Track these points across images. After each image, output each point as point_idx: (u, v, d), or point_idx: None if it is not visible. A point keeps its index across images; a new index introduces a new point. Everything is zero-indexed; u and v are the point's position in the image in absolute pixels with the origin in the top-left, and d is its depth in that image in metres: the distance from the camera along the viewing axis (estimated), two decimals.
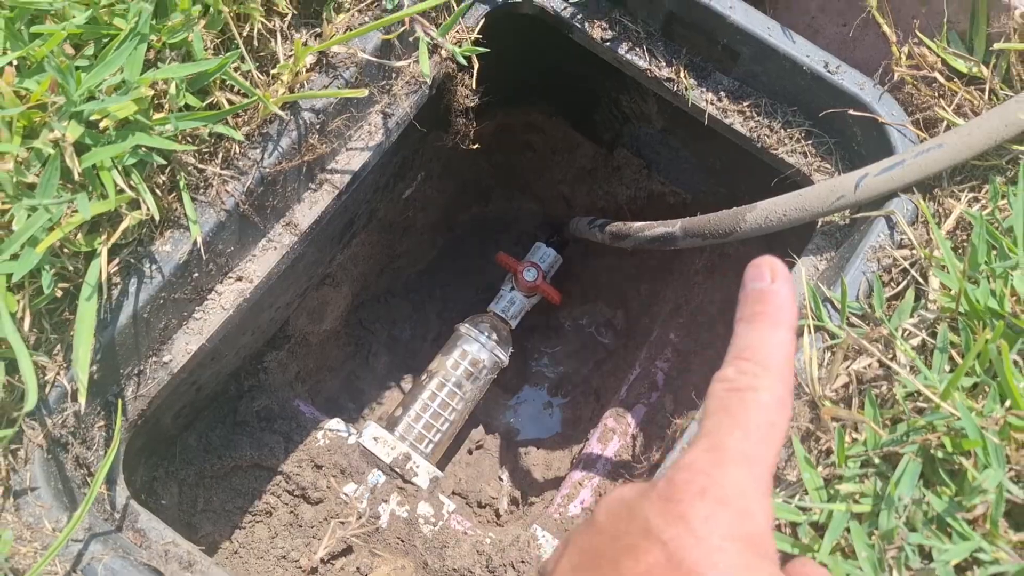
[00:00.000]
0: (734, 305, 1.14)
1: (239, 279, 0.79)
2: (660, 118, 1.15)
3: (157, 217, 0.67)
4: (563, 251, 1.32)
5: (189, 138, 0.72)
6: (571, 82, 1.22)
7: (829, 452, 0.68)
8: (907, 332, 0.69)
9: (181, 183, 0.72)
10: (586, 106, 1.27)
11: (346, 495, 1.15)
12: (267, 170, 0.75)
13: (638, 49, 0.89)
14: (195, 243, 0.72)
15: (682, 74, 0.88)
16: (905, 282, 0.73)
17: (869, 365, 0.70)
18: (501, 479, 1.37)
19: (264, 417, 1.20)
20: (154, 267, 0.71)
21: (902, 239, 0.75)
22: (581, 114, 1.29)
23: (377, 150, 0.85)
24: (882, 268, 0.75)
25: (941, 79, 0.83)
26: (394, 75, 0.84)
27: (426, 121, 0.98)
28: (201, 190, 0.74)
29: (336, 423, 1.21)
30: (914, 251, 0.74)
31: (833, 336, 0.73)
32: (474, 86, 0.92)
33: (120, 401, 0.75)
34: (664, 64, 0.88)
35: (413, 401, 1.23)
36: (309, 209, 0.82)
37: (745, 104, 0.87)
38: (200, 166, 0.72)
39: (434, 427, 1.22)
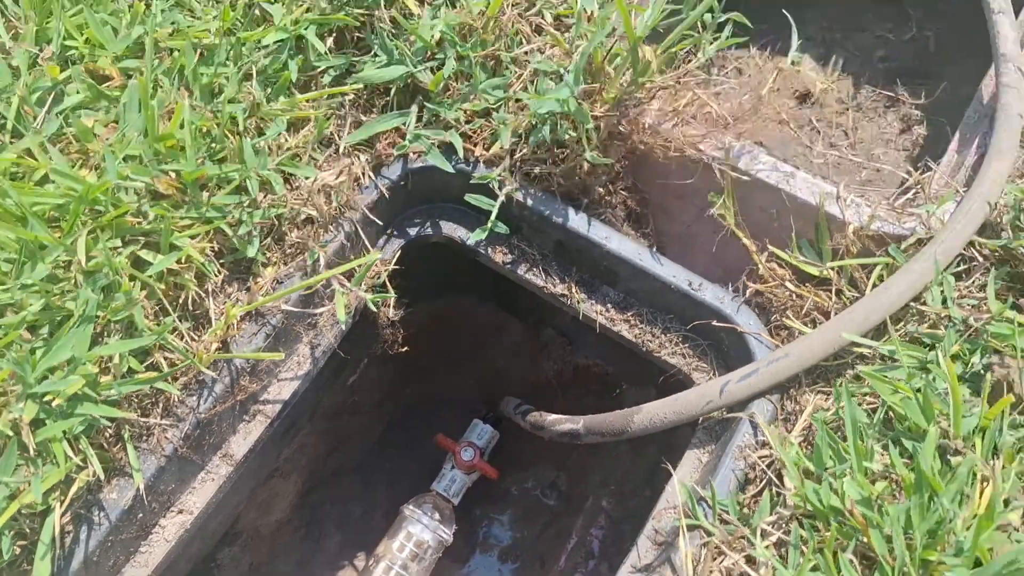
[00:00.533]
0: (657, 473, 1.23)
1: (180, 512, 0.87)
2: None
3: (103, 477, 0.76)
4: (499, 426, 1.41)
5: (133, 397, 0.82)
6: (494, 277, 1.35)
7: None
8: (765, 531, 0.79)
9: (125, 435, 0.81)
10: (510, 292, 1.40)
11: None
12: (203, 415, 0.85)
13: (535, 270, 1.02)
14: (139, 489, 0.80)
15: (574, 290, 1.01)
16: (764, 483, 0.83)
17: (735, 563, 0.79)
18: None
19: None
20: (102, 514, 0.80)
21: (763, 440, 0.86)
22: (507, 298, 1.42)
23: (306, 378, 0.95)
24: (748, 466, 0.85)
25: (791, 287, 0.97)
26: (317, 313, 0.95)
27: (359, 330, 1.09)
28: (144, 439, 0.83)
29: None
30: (772, 451, 0.85)
31: (708, 533, 0.82)
32: (391, 315, 1.04)
33: None
34: (558, 281, 1.02)
35: None
36: (243, 440, 0.91)
37: (629, 314, 1.00)
38: (142, 419, 0.82)
39: None
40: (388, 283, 0.99)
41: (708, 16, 0.87)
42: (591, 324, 1.34)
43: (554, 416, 1.07)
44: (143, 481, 0.81)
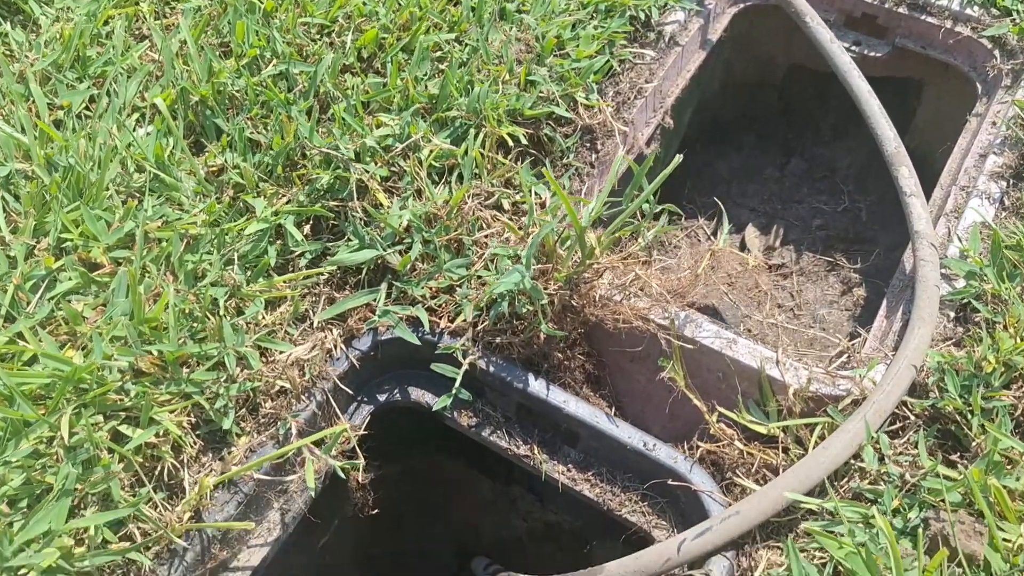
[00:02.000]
0: None
1: None
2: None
3: None
4: None
5: (105, 568, 0.84)
6: (460, 437, 1.39)
7: None
8: None
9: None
10: (477, 452, 1.44)
11: None
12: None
13: (499, 432, 1.08)
14: None
15: (536, 450, 1.06)
16: None
17: None
18: None
19: None
20: None
21: None
22: (475, 457, 1.46)
23: (276, 544, 0.98)
24: None
25: (740, 446, 1.02)
26: (288, 478, 0.99)
27: (330, 493, 1.12)
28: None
29: None
30: None
31: None
32: (361, 478, 1.08)
33: None
34: (521, 443, 1.07)
35: None
36: None
37: (590, 473, 1.04)
38: None
39: None
40: (358, 448, 1.04)
41: (646, 206, 0.98)
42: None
43: None
44: None
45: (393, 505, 1.63)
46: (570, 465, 1.06)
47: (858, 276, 1.61)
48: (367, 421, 1.07)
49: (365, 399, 1.10)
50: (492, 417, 1.09)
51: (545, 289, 1.00)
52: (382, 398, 1.11)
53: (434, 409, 1.04)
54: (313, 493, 0.99)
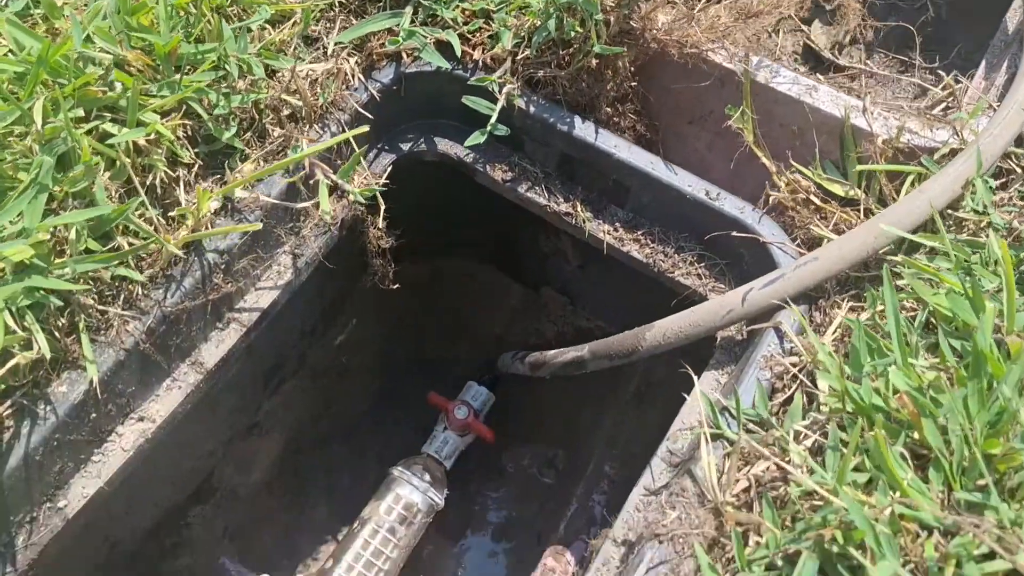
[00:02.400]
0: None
1: (141, 419, 0.79)
2: (576, 254, 1.20)
3: (48, 355, 0.67)
4: (496, 389, 1.32)
5: (90, 281, 0.74)
6: (494, 227, 1.28)
7: (733, 560, 0.67)
8: (800, 434, 0.70)
9: (80, 324, 0.73)
10: (510, 249, 1.32)
11: None
12: (169, 309, 0.77)
13: (537, 188, 0.95)
14: (91, 383, 0.72)
15: (579, 208, 0.93)
16: (795, 387, 0.75)
17: (767, 468, 0.70)
18: None
19: None
20: (48, 408, 0.71)
21: (791, 347, 0.78)
22: (507, 257, 1.35)
23: (287, 289, 0.87)
24: (775, 375, 0.77)
25: (817, 201, 0.89)
26: (302, 217, 0.88)
27: (348, 266, 1.02)
28: (102, 331, 0.75)
29: None
30: (802, 357, 0.76)
31: (731, 443, 0.73)
32: (383, 228, 0.96)
33: (10, 551, 0.72)
34: (562, 200, 0.94)
35: (344, 551, 1.19)
36: (216, 348, 0.83)
37: (639, 232, 0.92)
38: (100, 307, 0.74)
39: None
40: (380, 197, 0.91)
41: None
42: (591, 280, 1.27)
43: (555, 351, 0.99)
44: (97, 374, 0.72)
45: (415, 315, 1.53)
46: (617, 224, 0.93)
47: (934, 77, 1.44)
48: (388, 171, 0.95)
49: (386, 147, 0.97)
50: (530, 172, 0.96)
51: (599, 2, 0.85)
52: (405, 147, 0.98)
53: (466, 144, 0.90)
54: (328, 221, 0.87)
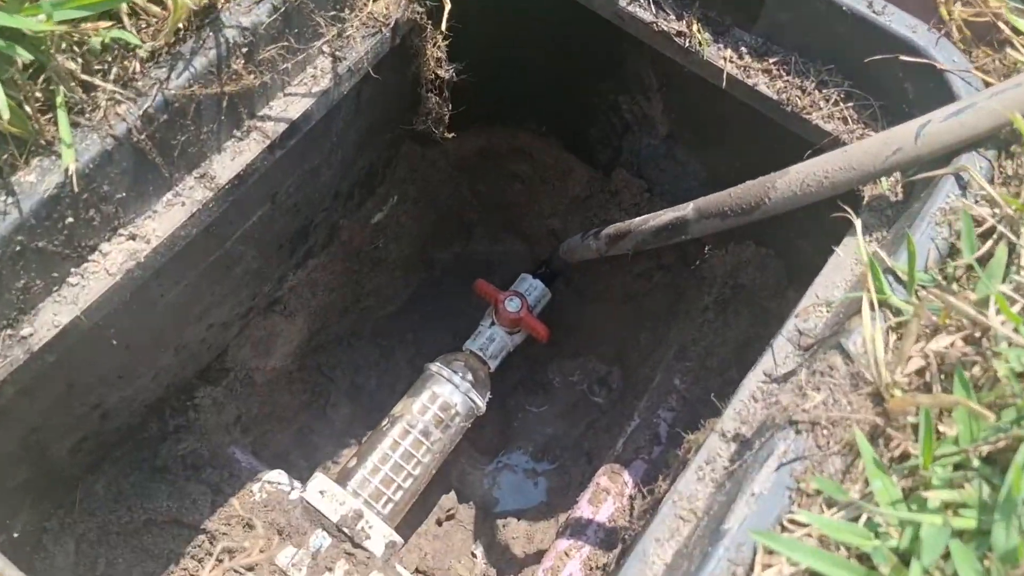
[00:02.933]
0: (749, 347, 0.96)
1: (132, 238, 0.62)
2: (665, 120, 1.01)
3: (6, 116, 0.50)
4: (553, 284, 1.15)
5: (74, 44, 0.56)
6: (564, 87, 1.09)
7: (905, 457, 0.50)
8: (1008, 299, 0.52)
9: (59, 98, 0.56)
10: (581, 118, 1.13)
11: (282, 562, 0.93)
12: (173, 93, 0.59)
13: (640, 1, 0.76)
14: (67, 172, 0.55)
15: (695, 27, 0.74)
16: (991, 243, 0.56)
17: (951, 344, 0.52)
18: (474, 555, 1.15)
19: (190, 464, 1.00)
20: (10, 200, 0.54)
21: (980, 196, 0.59)
22: (575, 130, 1.16)
23: (323, 100, 0.70)
24: (955, 233, 0.58)
25: (1007, 30, 0.69)
26: (347, 9, 0.69)
27: (394, 107, 0.84)
28: (87, 112, 0.58)
29: (277, 475, 1.01)
30: (998, 209, 0.58)
31: (898, 312, 0.55)
32: (444, 49, 0.78)
33: None
34: (673, 17, 0.75)
35: (371, 450, 1.03)
36: (231, 160, 0.66)
37: (771, 61, 0.73)
38: (86, 78, 0.57)
39: (394, 482, 1.01)
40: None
41: None
42: (677, 159, 1.08)
43: (643, 216, 0.81)
44: (76, 163, 0.55)
45: (461, 201, 1.36)
46: (743, 50, 0.74)
47: None
48: None
49: None
50: None
51: None
52: None
53: None
54: (387, 17, 0.69)
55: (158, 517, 0.94)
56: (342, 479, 1.01)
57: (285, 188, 0.85)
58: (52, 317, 0.59)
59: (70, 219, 0.58)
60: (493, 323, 1.10)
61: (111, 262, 0.61)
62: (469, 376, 1.06)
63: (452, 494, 1.20)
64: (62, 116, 0.56)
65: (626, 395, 1.29)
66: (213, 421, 1.05)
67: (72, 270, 0.60)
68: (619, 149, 1.13)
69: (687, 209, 0.73)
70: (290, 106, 0.68)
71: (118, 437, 0.94)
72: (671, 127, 1.02)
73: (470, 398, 1.05)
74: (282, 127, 0.67)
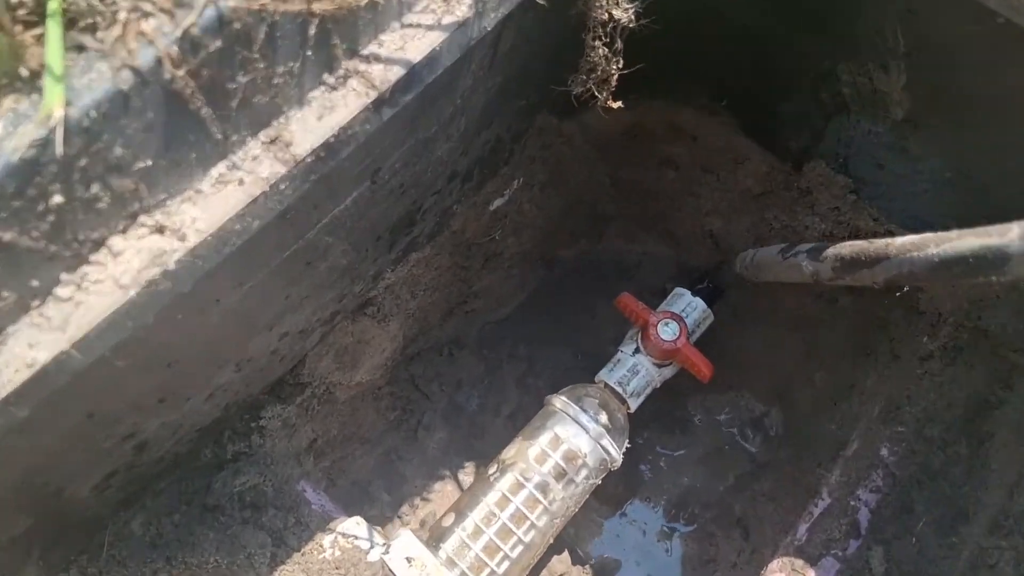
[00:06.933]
0: (985, 415, 0.72)
1: (160, 230, 0.40)
2: (906, 99, 0.73)
3: None
4: (715, 304, 0.89)
5: None
6: (757, 49, 0.82)
7: None
8: None
9: (52, 4, 0.34)
10: (772, 92, 0.86)
11: None
12: (233, 6, 0.37)
13: None
14: (50, 120, 0.33)
15: None
16: None
17: None
18: None
19: (249, 503, 0.80)
20: None
21: None
22: (761, 107, 0.89)
23: (457, 38, 0.46)
24: None
25: None
26: None
27: (538, 67, 0.60)
28: (98, 27, 0.36)
29: (355, 525, 0.80)
30: None
31: None
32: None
33: None
34: None
35: (473, 505, 0.81)
36: (318, 120, 0.43)
37: None
38: None
39: (500, 551, 0.78)
40: None
41: None
42: (910, 154, 0.80)
43: (915, 236, 0.54)
44: (64, 107, 0.34)
45: (599, 190, 1.11)
46: None
47: None
48: None
49: None
50: None
51: None
52: None
53: None
54: None
55: (203, 574, 0.74)
56: (435, 540, 0.79)
57: (391, 163, 0.63)
58: (25, 352, 0.37)
59: (57, 198, 0.36)
60: (638, 350, 0.86)
61: (124, 268, 0.39)
62: (603, 418, 0.82)
63: (564, 555, 0.97)
64: (53, 29, 0.34)
65: (789, 445, 1.02)
66: (282, 447, 0.84)
67: (62, 277, 0.38)
68: (820, 135, 0.86)
69: (1010, 235, 0.46)
70: (408, 43, 0.44)
71: (160, 468, 0.74)
72: (911, 109, 0.74)
73: (603, 447, 0.81)
74: (396, 74, 0.44)
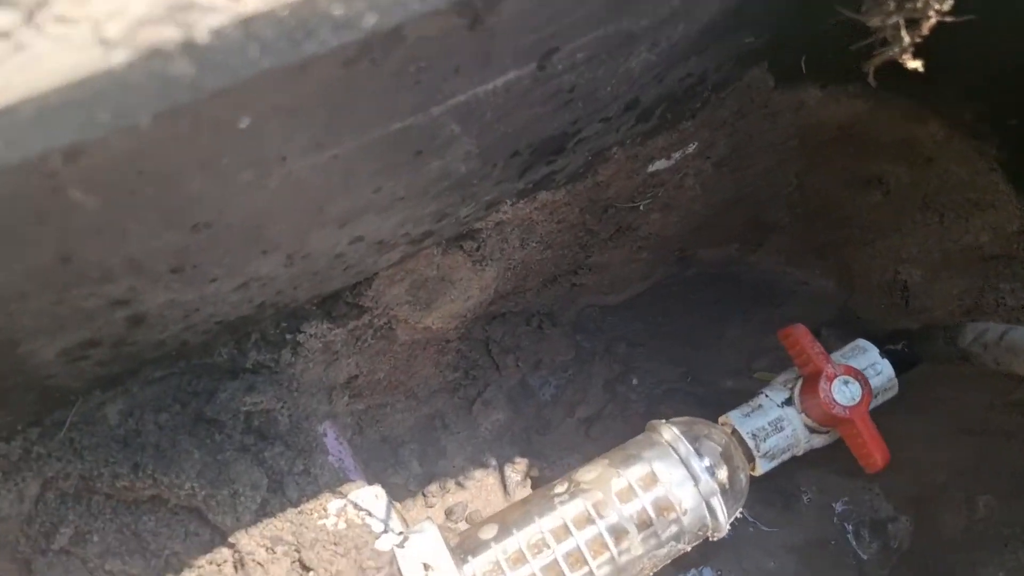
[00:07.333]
0: None
1: None
2: None
3: None
4: (904, 374, 0.67)
5: None
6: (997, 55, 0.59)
7: None
8: None
9: None
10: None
11: None
12: None
13: None
14: None
15: None
16: None
17: None
18: None
19: (256, 428, 0.63)
20: None
21: None
22: (1001, 116, 0.66)
23: None
24: None
25: None
26: None
27: None
28: None
29: (373, 497, 0.63)
30: None
31: None
32: None
33: None
34: None
35: (523, 524, 0.62)
36: None
37: None
38: None
39: None
40: None
41: None
42: None
43: None
44: None
45: (771, 193, 0.89)
46: None
47: None
48: None
49: None
50: None
51: None
52: None
53: None
54: None
55: (173, 498, 0.58)
56: (464, 549, 0.61)
57: (572, 49, 0.44)
58: None
59: None
60: (790, 402, 0.65)
61: (115, 10, 0.21)
62: (723, 473, 0.62)
63: None
64: None
65: (910, 568, 0.81)
66: (314, 375, 0.67)
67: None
68: None
69: None
70: None
71: (159, 354, 0.58)
72: None
73: (711, 508, 0.62)
74: None
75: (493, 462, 0.85)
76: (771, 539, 0.86)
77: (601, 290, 0.90)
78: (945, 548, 0.78)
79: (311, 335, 0.65)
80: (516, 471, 0.85)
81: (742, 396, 0.69)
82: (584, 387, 0.89)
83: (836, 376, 0.61)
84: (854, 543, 0.86)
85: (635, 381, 0.88)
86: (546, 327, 0.88)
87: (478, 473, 0.85)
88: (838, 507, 0.87)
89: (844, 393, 0.61)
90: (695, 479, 0.61)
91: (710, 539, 0.64)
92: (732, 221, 0.89)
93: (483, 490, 0.84)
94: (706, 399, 0.79)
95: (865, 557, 0.85)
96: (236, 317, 0.58)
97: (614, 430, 0.86)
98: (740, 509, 0.64)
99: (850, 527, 0.86)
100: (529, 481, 0.86)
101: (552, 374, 0.89)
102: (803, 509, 0.87)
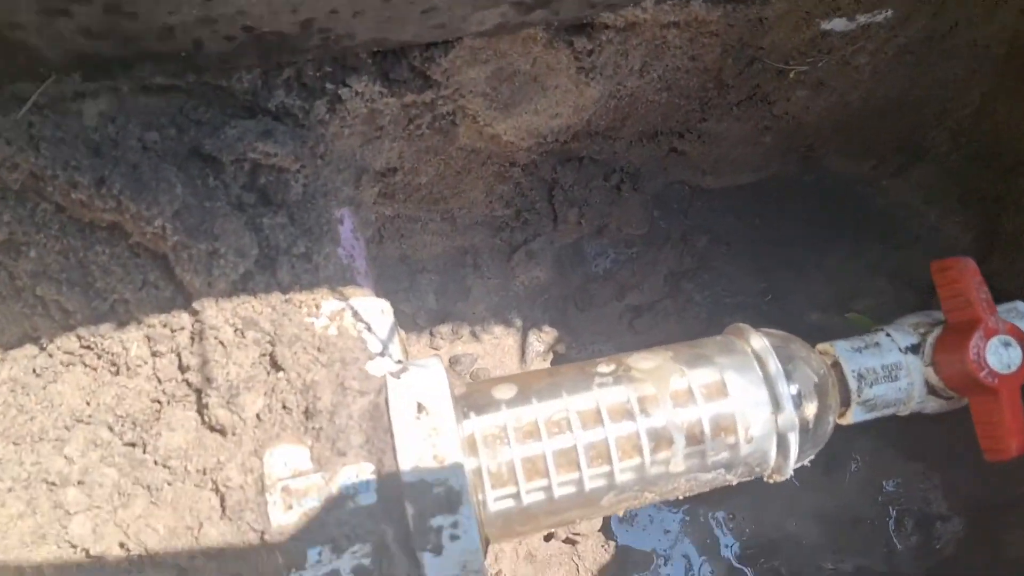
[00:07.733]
0: None
1: None
2: None
3: None
4: None
5: None
6: None
7: None
8: None
9: None
10: None
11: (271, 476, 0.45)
12: None
13: None
14: None
15: None
16: None
17: None
18: None
19: (260, 187, 0.50)
20: None
21: None
22: None
23: None
24: None
25: None
26: None
27: None
28: None
29: (378, 311, 0.50)
30: None
31: None
32: None
33: None
34: None
35: (546, 395, 0.50)
36: None
37: None
38: None
39: (544, 479, 0.48)
40: None
41: None
42: None
43: None
44: None
45: (944, 125, 0.72)
46: None
47: None
48: None
49: None
50: None
51: None
52: None
53: None
54: None
55: (137, 233, 0.46)
56: (468, 403, 0.50)
57: None
58: None
59: None
60: (918, 349, 0.51)
61: None
62: (811, 407, 0.49)
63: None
64: None
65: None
66: (347, 146, 0.54)
67: None
68: None
69: None
70: None
71: (165, 48, 0.44)
72: None
73: (784, 443, 0.49)
74: None
75: (518, 322, 0.73)
76: (801, 499, 0.75)
77: (702, 166, 0.75)
78: (1005, 568, 0.67)
79: (357, 93, 0.51)
80: (541, 340, 0.73)
81: (826, 335, 0.56)
82: (645, 271, 0.75)
83: (997, 333, 0.47)
84: (892, 530, 0.74)
85: (706, 279, 0.74)
86: (625, 190, 0.73)
87: (498, 329, 0.73)
88: (888, 487, 0.75)
89: (1001, 357, 0.47)
90: (776, 405, 0.48)
91: (764, 479, 0.52)
92: (882, 131, 0.73)
93: (498, 350, 0.72)
94: (782, 326, 0.66)
95: (900, 548, 0.74)
96: (271, 30, 0.44)
97: (664, 328, 0.73)
98: (811, 457, 0.52)
99: (894, 512, 0.75)
100: (552, 356, 0.74)
101: (614, 246, 0.75)
102: (847, 478, 0.75)
